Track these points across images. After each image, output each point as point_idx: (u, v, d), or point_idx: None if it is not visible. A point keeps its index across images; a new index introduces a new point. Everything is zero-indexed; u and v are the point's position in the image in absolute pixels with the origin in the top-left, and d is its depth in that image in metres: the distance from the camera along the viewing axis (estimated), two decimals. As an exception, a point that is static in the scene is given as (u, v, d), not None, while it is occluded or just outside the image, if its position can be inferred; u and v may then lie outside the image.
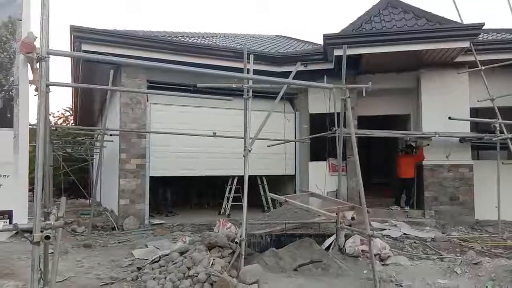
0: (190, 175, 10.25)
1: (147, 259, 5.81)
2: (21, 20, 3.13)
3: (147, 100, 9.47)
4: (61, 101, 53.06)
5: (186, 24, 72.59)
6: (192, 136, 9.28)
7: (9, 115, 3.12)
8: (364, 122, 10.36)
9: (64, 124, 22.24)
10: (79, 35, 8.62)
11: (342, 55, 7.11)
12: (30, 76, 3.28)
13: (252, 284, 4.58)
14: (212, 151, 9.95)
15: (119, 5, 73.34)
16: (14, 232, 6.02)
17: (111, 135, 9.20)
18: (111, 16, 71.10)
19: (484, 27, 8.78)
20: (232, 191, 10.61)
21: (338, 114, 8.07)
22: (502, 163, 8.19)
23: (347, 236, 6.08)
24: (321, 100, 9.58)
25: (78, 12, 70.10)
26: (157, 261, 5.42)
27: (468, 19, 12.33)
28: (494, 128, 8.20)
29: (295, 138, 10.97)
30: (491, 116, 8.41)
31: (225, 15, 70.23)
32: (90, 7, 71.09)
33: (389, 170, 12.26)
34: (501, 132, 8.20)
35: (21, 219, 3.10)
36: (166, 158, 9.62)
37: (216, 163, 10.15)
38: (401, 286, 4.79)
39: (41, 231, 2.99)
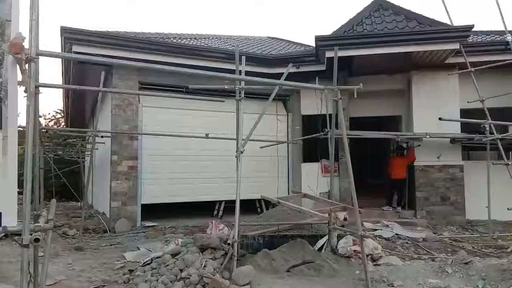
0: (181, 201, 10.09)
1: (139, 262, 5.78)
2: (10, 21, 3.09)
3: (139, 102, 9.43)
4: (53, 103, 52.58)
5: (179, 25, 72.47)
6: (184, 162, 9.57)
7: (-3, 117, 3.08)
8: (356, 123, 10.41)
9: (56, 126, 22.04)
10: (70, 36, 8.56)
11: (333, 57, 7.16)
12: (19, 77, 3.25)
13: (244, 285, 4.57)
14: (204, 176, 9.97)
15: (112, 6, 73.04)
16: (3, 234, 5.98)
17: (102, 136, 9.14)
18: (104, 17, 70.76)
19: (473, 29, 8.90)
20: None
21: (330, 115, 8.13)
22: (492, 163, 8.27)
23: (339, 237, 6.09)
24: (313, 101, 9.60)
25: (72, 13, 69.68)
26: (149, 264, 5.38)
27: (458, 21, 12.46)
28: (484, 129, 8.30)
29: (288, 139, 10.98)
30: (480, 117, 8.50)
31: (218, 16, 70.25)
32: (84, 7, 70.69)
33: (381, 171, 12.33)
34: (491, 132, 8.28)
35: (10, 221, 3.06)
36: (157, 185, 9.53)
37: (208, 188, 10.07)
38: (392, 286, 4.82)
39: (31, 234, 2.96)
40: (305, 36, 56.59)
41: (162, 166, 9.59)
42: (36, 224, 3.22)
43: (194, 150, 9.71)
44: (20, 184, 3.29)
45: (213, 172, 10.00)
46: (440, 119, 8.94)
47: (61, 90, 14.38)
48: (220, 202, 10.33)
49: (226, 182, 9.71)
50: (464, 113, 9.59)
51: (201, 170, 9.93)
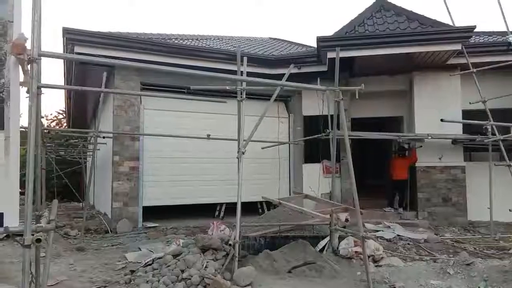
0: (181, 204, 10.06)
1: (140, 262, 5.78)
2: (12, 22, 3.10)
3: (141, 103, 9.44)
4: (55, 104, 52.65)
5: (180, 25, 72.52)
6: (185, 164, 9.60)
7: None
8: (357, 124, 10.40)
9: (57, 127, 22.08)
10: (72, 37, 8.57)
11: (335, 58, 7.15)
12: (22, 78, 3.26)
13: (246, 286, 4.58)
14: (204, 178, 9.95)
15: (114, 6, 73.19)
16: (5, 235, 5.99)
17: (104, 137, 9.15)
18: (105, 17, 70.92)
19: (475, 30, 8.88)
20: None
21: (332, 116, 8.11)
22: (494, 164, 8.24)
23: (341, 238, 6.09)
24: (315, 102, 9.61)
25: (74, 14, 69.85)
26: (150, 264, 5.38)
27: (460, 22, 12.43)
28: (486, 130, 8.28)
29: (289, 140, 10.98)
30: (482, 118, 8.48)
31: (219, 17, 70.34)
32: (85, 8, 70.86)
33: (383, 172, 12.32)
34: (493, 134, 8.26)
35: (12, 222, 3.06)
36: (158, 187, 9.52)
37: (209, 190, 10.05)
38: (394, 287, 4.81)
39: (32, 234, 2.97)
40: (306, 36, 56.62)
41: (163, 168, 9.59)
42: (38, 224, 3.22)
43: (194, 152, 9.73)
44: (22, 185, 3.29)
45: (213, 174, 10.00)
46: (442, 120, 8.92)
47: (63, 91, 14.42)
48: (222, 203, 10.33)
49: (226, 185, 9.70)
50: (466, 114, 9.57)
51: (202, 172, 9.92)
